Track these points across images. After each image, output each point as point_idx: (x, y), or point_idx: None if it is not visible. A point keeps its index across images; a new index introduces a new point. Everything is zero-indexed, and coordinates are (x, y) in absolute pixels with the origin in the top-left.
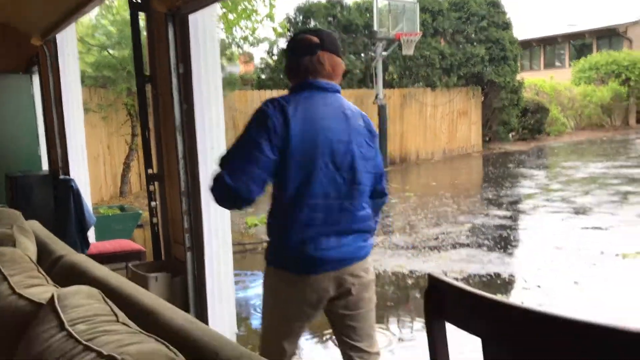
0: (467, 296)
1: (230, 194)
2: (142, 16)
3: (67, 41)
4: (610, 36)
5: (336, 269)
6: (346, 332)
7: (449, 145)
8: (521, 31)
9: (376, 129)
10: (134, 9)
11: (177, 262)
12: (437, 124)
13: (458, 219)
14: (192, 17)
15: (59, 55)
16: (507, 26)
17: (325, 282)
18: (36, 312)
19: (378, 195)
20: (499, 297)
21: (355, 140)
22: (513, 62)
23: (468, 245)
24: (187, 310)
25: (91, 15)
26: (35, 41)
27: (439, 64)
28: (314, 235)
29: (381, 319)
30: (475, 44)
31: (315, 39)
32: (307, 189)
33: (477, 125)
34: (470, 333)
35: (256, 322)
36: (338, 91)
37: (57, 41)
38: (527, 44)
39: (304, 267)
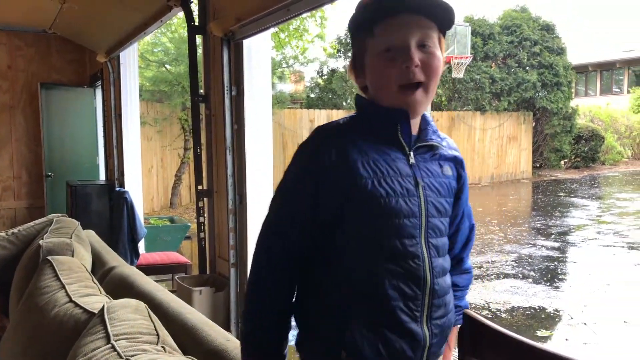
0: (503, 339)
1: None
2: (199, 37)
3: (129, 58)
4: None
5: None
6: None
7: (497, 170)
8: (577, 55)
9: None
10: (192, 31)
11: (221, 277)
12: (485, 148)
13: (504, 248)
14: (246, 42)
15: (121, 71)
16: (561, 51)
17: None
18: (88, 320)
19: None
20: (536, 343)
21: None
22: (567, 88)
23: (513, 276)
24: (228, 324)
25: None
26: (101, 58)
27: (488, 88)
28: None
29: None
30: (527, 68)
31: None
32: None
33: (527, 151)
34: None
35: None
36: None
37: (120, 58)
38: (582, 69)
39: None
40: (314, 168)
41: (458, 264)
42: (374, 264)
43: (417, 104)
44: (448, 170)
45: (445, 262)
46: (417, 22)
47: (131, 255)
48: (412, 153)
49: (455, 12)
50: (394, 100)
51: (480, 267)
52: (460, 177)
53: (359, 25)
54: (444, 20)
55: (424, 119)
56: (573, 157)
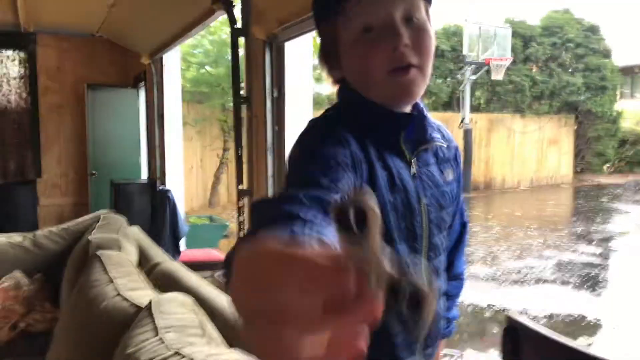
0: (546, 341)
1: None
2: (241, 40)
3: (172, 61)
4: None
5: None
6: None
7: (537, 174)
8: (622, 56)
9: (461, 153)
10: (234, 34)
11: None
12: (525, 152)
13: (543, 253)
14: (288, 44)
15: (164, 73)
16: (607, 53)
17: None
18: (136, 314)
19: None
20: (580, 345)
21: None
22: (612, 92)
23: (553, 281)
24: None
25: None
26: (145, 60)
27: (529, 90)
28: None
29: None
30: (571, 71)
31: None
32: None
33: (568, 155)
34: None
35: None
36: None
37: (163, 60)
38: (628, 70)
39: None
40: (339, 142)
41: (448, 269)
42: None
43: (412, 84)
44: (449, 174)
45: (442, 283)
46: None
47: (173, 252)
48: (414, 160)
49: None
50: (384, 89)
51: (518, 272)
52: (458, 174)
53: (325, 4)
54: None
55: (418, 110)
56: (617, 162)
